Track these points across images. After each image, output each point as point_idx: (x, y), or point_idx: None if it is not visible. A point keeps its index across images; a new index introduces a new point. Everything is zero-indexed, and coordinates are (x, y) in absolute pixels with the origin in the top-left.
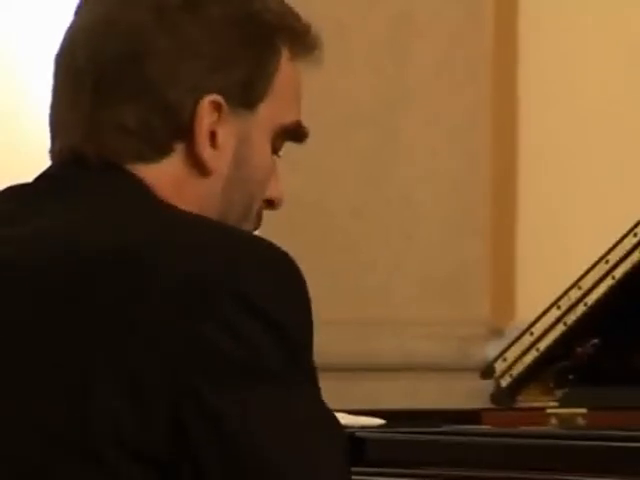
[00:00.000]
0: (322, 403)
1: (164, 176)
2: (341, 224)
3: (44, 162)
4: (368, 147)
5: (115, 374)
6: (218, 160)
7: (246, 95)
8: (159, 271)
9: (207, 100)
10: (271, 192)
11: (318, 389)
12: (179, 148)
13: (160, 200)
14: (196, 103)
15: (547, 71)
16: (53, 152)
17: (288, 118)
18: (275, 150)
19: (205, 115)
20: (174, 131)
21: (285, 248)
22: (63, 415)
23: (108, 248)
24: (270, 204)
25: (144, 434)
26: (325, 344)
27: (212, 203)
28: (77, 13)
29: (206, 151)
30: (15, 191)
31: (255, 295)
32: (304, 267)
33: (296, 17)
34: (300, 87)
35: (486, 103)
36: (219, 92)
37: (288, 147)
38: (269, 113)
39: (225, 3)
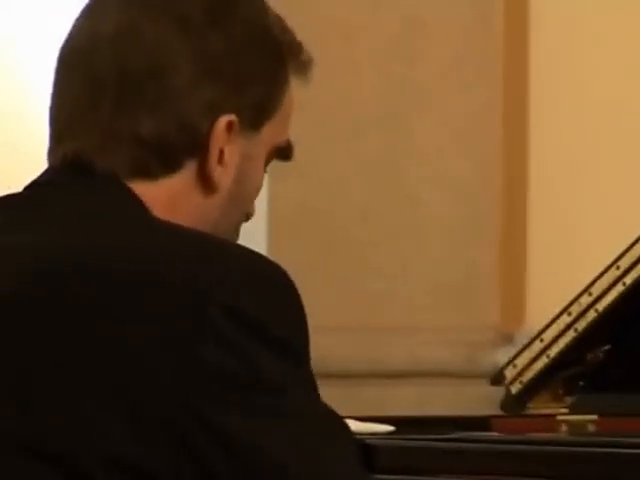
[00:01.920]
0: (326, 406)
1: (167, 192)
2: (349, 229)
3: (44, 162)
4: (377, 151)
5: (113, 391)
6: (224, 177)
7: (257, 116)
8: (157, 289)
9: (224, 120)
10: (252, 206)
11: (318, 394)
12: (189, 165)
13: (154, 216)
14: (213, 122)
15: (558, 72)
16: (55, 154)
17: (284, 137)
18: (266, 166)
19: (220, 135)
20: (188, 148)
21: (293, 254)
22: (57, 433)
23: (103, 263)
24: (247, 217)
25: (143, 451)
26: (333, 350)
27: (208, 218)
28: (90, 15)
29: (216, 169)
30: (6, 201)
31: (252, 310)
32: (312, 272)
33: (292, 32)
34: (293, 105)
35: (496, 105)
36: (235, 111)
37: (295, 150)
38: (271, 133)
39: (245, 21)
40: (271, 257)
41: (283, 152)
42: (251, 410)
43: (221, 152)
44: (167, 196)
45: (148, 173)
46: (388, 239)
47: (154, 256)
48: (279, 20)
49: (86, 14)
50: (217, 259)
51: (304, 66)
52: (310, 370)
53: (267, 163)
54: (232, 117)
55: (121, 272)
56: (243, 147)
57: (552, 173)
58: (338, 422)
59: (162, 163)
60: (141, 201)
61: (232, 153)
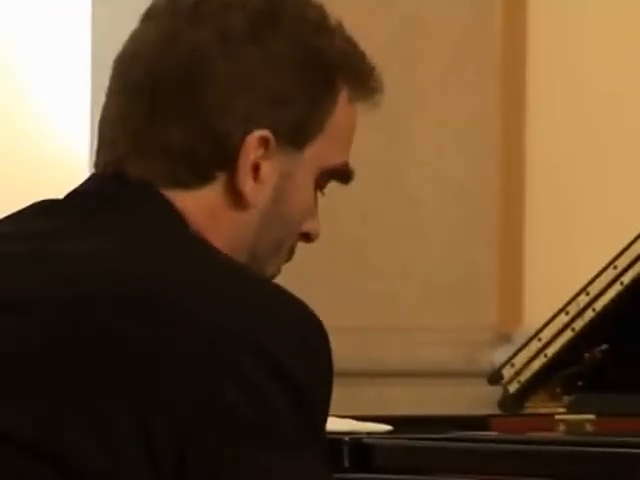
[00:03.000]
0: (327, 476)
1: (201, 204)
2: (348, 230)
3: (43, 163)
4: (376, 151)
5: (129, 424)
6: (258, 194)
7: (296, 134)
8: (186, 321)
9: (256, 135)
10: (309, 226)
11: (325, 460)
12: (220, 177)
13: (193, 233)
14: (245, 135)
15: (556, 74)
16: (96, 162)
17: (335, 160)
18: (319, 187)
19: (251, 149)
20: (218, 160)
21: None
22: (71, 456)
23: (136, 288)
24: (306, 237)
25: (145, 472)
26: (332, 350)
27: (245, 235)
28: (145, 20)
29: (247, 184)
30: (49, 206)
31: (279, 355)
32: (312, 272)
33: (361, 57)
34: (354, 129)
35: (495, 107)
36: (270, 127)
37: None
38: (317, 154)
39: (289, 39)
40: None
41: (338, 175)
42: (256, 461)
43: (257, 168)
44: (201, 207)
45: (180, 182)
46: (387, 239)
47: (191, 289)
48: (344, 43)
49: (141, 21)
50: (254, 300)
51: (370, 92)
52: (324, 434)
53: (321, 185)
54: (265, 132)
55: (153, 301)
56: (283, 165)
57: (549, 173)
58: None
59: (193, 173)
60: (179, 213)
61: (269, 170)
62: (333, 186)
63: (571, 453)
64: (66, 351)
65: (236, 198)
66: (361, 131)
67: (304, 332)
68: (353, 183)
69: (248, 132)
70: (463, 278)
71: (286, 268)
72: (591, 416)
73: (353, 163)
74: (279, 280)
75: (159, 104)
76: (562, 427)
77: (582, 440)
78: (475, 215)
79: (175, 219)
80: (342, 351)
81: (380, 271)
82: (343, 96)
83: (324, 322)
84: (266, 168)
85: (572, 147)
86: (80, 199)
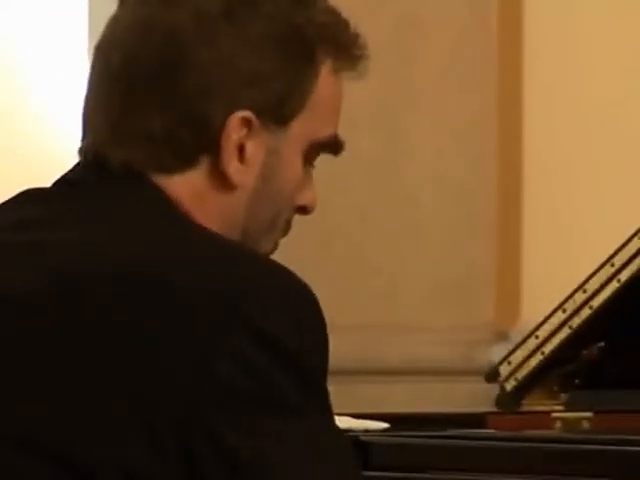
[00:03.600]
0: (338, 433)
1: (186, 188)
2: (346, 228)
3: (43, 163)
4: (373, 150)
5: (126, 402)
6: (244, 174)
7: (279, 112)
8: (175, 295)
9: (237, 116)
10: (304, 199)
11: (333, 419)
12: (204, 161)
13: (182, 215)
14: (226, 117)
15: (553, 73)
16: (80, 149)
17: (323, 133)
18: (309, 161)
19: (234, 130)
20: (201, 144)
21: (291, 252)
22: (67, 441)
23: (123, 267)
24: (302, 210)
25: (154, 466)
26: (330, 348)
27: (234, 216)
28: (123, 6)
29: (232, 165)
30: (35, 195)
31: (272, 328)
32: (310, 270)
33: (343, 27)
34: (340, 100)
35: (492, 105)
36: (251, 107)
37: None
38: (302, 129)
39: (266, 18)
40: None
41: (327, 147)
42: (260, 430)
43: (242, 148)
44: (188, 190)
45: (164, 167)
46: (386, 238)
47: (181, 266)
48: (324, 15)
49: (118, 7)
50: (246, 275)
51: (354, 61)
52: (328, 396)
53: (310, 158)
54: (247, 113)
55: (149, 280)
56: (268, 143)
57: (547, 172)
58: (346, 448)
59: (176, 158)
60: (166, 195)
61: (255, 148)
62: (331, 185)
63: (568, 450)
64: (58, 344)
65: (221, 180)
66: (359, 130)
67: (296, 303)
68: (352, 182)
69: (229, 114)
70: (461, 276)
71: (286, 266)
72: (588, 414)
73: (351, 162)
74: None
75: (139, 90)
76: (559, 424)
77: (579, 438)
78: (473, 214)
79: (162, 201)
80: (340, 349)
81: (379, 270)
82: (326, 69)
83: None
84: (251, 147)
85: (570, 146)
86: (66, 187)
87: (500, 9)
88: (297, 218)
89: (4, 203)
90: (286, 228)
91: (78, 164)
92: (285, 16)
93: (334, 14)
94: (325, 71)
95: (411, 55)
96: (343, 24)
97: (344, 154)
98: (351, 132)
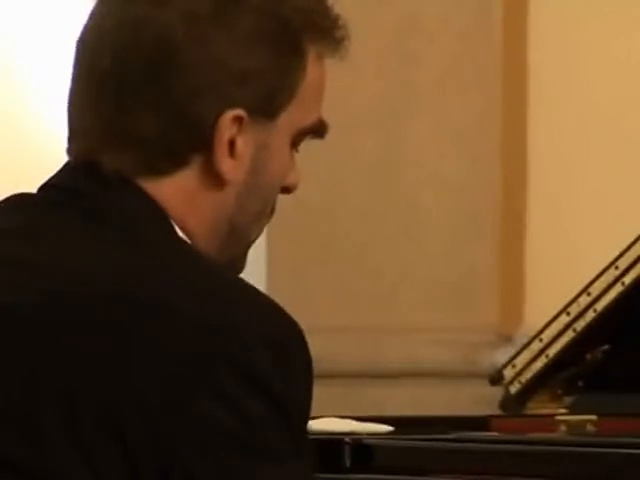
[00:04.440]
0: None
1: (178, 190)
2: (348, 230)
3: (43, 163)
4: (375, 152)
5: (110, 439)
6: (236, 170)
7: (269, 106)
8: (163, 324)
9: (229, 115)
10: (288, 180)
11: (310, 466)
12: (196, 160)
13: (175, 234)
14: (218, 117)
15: (556, 75)
16: (69, 153)
17: (310, 119)
18: (294, 146)
19: (226, 129)
20: (193, 144)
21: (292, 254)
22: (54, 476)
23: (111, 287)
24: (285, 190)
25: None
26: (333, 351)
27: (225, 211)
28: (101, 8)
29: (225, 163)
30: (23, 202)
31: (259, 369)
32: (310, 273)
33: (323, 12)
34: (324, 83)
35: (495, 107)
36: (242, 104)
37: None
38: (291, 119)
39: (256, 12)
40: (270, 258)
41: (314, 131)
42: (235, 473)
43: (232, 144)
44: (179, 192)
45: (156, 170)
46: (387, 240)
47: (173, 292)
48: (304, 2)
49: (96, 7)
50: (234, 311)
51: (337, 44)
52: (307, 444)
53: (297, 144)
54: (238, 111)
55: (134, 300)
56: (258, 137)
57: (550, 174)
58: None
59: (168, 159)
60: (157, 204)
61: (245, 144)
62: (332, 186)
63: (572, 453)
64: (40, 363)
65: (214, 179)
66: (361, 132)
67: (282, 341)
68: (353, 184)
69: (221, 113)
70: (464, 279)
71: (287, 269)
72: (592, 416)
73: (353, 164)
74: (281, 282)
75: (130, 92)
76: (563, 427)
77: (583, 440)
78: (476, 216)
79: (152, 213)
80: (342, 351)
81: (380, 272)
82: (311, 56)
83: (325, 322)
84: (241, 143)
85: (573, 148)
86: (53, 193)
87: (503, 10)
88: (299, 222)
89: None
90: (272, 212)
91: (66, 166)
92: (271, 8)
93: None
94: (311, 59)
95: (413, 57)
96: (324, 7)
97: (346, 156)
98: (353, 134)
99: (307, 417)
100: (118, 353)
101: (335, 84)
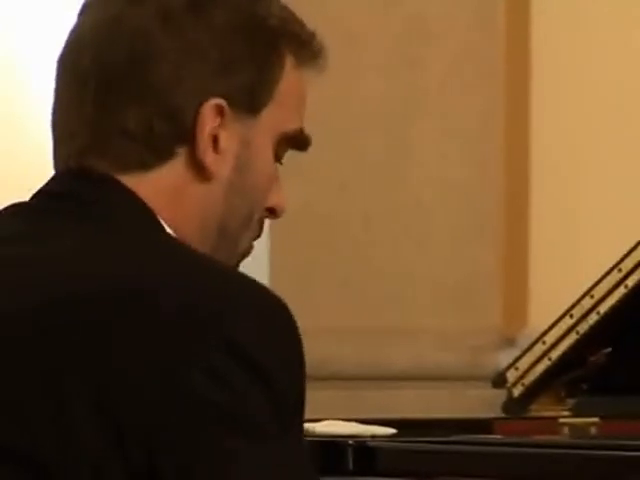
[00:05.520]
0: (303, 463)
1: (164, 184)
2: (352, 232)
3: (43, 163)
4: (379, 154)
5: (97, 416)
6: (220, 165)
7: (250, 100)
8: (152, 310)
9: (210, 104)
10: (273, 200)
11: (302, 447)
12: (181, 152)
13: (162, 228)
14: (199, 107)
15: (560, 76)
16: (56, 159)
17: (291, 125)
18: (277, 158)
19: (208, 119)
20: (177, 135)
21: (295, 256)
22: (41, 451)
23: (103, 284)
24: (272, 212)
25: (120, 470)
26: (336, 353)
27: (213, 210)
28: (83, 12)
29: (208, 155)
30: (18, 210)
31: (247, 344)
32: (314, 275)
33: (300, 24)
34: (305, 95)
35: (498, 109)
36: (223, 96)
37: (299, 154)
38: (272, 119)
39: (230, 8)
40: (273, 259)
41: (295, 141)
42: (220, 449)
43: (216, 139)
44: (166, 187)
45: (141, 164)
46: (391, 242)
47: (156, 281)
48: (281, 11)
49: (80, 12)
50: (219, 289)
51: (314, 56)
52: (300, 420)
53: (279, 153)
54: (219, 101)
55: (121, 296)
56: (241, 133)
57: (554, 176)
58: (309, 477)
59: (153, 153)
60: (144, 204)
61: (228, 139)
62: (336, 189)
63: (575, 456)
64: (33, 357)
65: (199, 171)
66: (364, 133)
67: (271, 319)
68: (357, 186)
69: (201, 103)
70: (467, 281)
71: (291, 270)
72: (595, 419)
73: (357, 166)
74: (285, 283)
75: (110, 88)
76: (566, 430)
77: (586, 443)
78: (479, 218)
79: (138, 210)
80: (346, 353)
81: (383, 274)
82: (289, 61)
83: (328, 324)
84: (224, 138)
85: (577, 150)
86: (45, 200)
87: (507, 12)
88: (302, 223)
89: None
90: (259, 229)
91: (56, 174)
92: (247, 7)
93: (290, 12)
94: (289, 64)
95: (416, 59)
96: (299, 21)
97: (349, 157)
98: (356, 135)
99: (301, 395)
100: (102, 337)
101: (339, 86)
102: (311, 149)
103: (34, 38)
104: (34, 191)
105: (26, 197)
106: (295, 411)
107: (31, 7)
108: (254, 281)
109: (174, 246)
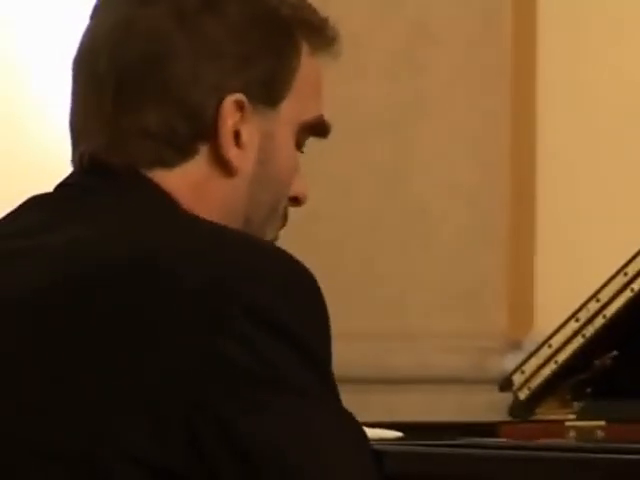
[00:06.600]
0: (345, 414)
1: (187, 180)
2: (357, 236)
3: (43, 162)
4: (384, 158)
5: (130, 390)
6: (243, 159)
7: (268, 93)
8: (177, 282)
9: (230, 100)
10: (295, 189)
11: (339, 401)
12: (203, 149)
13: (183, 210)
14: (219, 103)
15: (566, 80)
16: (74, 160)
17: (311, 114)
18: (298, 146)
19: (228, 115)
20: (197, 133)
21: (301, 260)
22: (73, 432)
23: (125, 259)
24: (295, 201)
25: (159, 450)
26: (342, 356)
27: (237, 204)
28: (95, 15)
29: (231, 151)
30: (39, 201)
31: (274, 310)
32: (320, 279)
33: (312, 10)
34: (321, 81)
35: (504, 113)
36: (241, 91)
37: (303, 158)
38: (292, 109)
39: (242, 2)
40: None
41: (316, 129)
42: (265, 408)
43: (237, 134)
44: (188, 183)
45: (164, 162)
46: (396, 246)
47: (181, 254)
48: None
49: (92, 15)
50: (244, 257)
51: (329, 42)
52: (332, 377)
53: (299, 142)
54: (238, 96)
55: (147, 274)
56: (261, 126)
57: (560, 180)
58: (357, 433)
59: (175, 151)
60: (166, 192)
61: (250, 133)
62: (342, 192)
63: (582, 460)
64: (63, 339)
65: (222, 166)
66: (370, 137)
67: (298, 286)
68: (363, 191)
69: (221, 99)
70: (473, 285)
71: None
72: (602, 422)
73: (362, 170)
74: None
75: (129, 88)
76: (572, 434)
77: (592, 447)
78: (485, 222)
79: (161, 197)
80: (351, 357)
81: (389, 277)
82: (304, 50)
83: (334, 329)
84: (246, 132)
85: (582, 153)
86: (67, 190)
87: (512, 16)
88: (308, 228)
89: (13, 211)
90: (283, 219)
91: (75, 172)
92: (260, 0)
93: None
94: (304, 52)
95: (422, 63)
96: (311, 7)
97: (355, 162)
98: (362, 140)
99: (329, 356)
100: (140, 319)
101: (345, 90)
102: (317, 153)
103: (34, 38)
104: (34, 191)
105: (25, 197)
106: (327, 369)
107: (31, 7)
108: (279, 249)
109: (199, 221)
